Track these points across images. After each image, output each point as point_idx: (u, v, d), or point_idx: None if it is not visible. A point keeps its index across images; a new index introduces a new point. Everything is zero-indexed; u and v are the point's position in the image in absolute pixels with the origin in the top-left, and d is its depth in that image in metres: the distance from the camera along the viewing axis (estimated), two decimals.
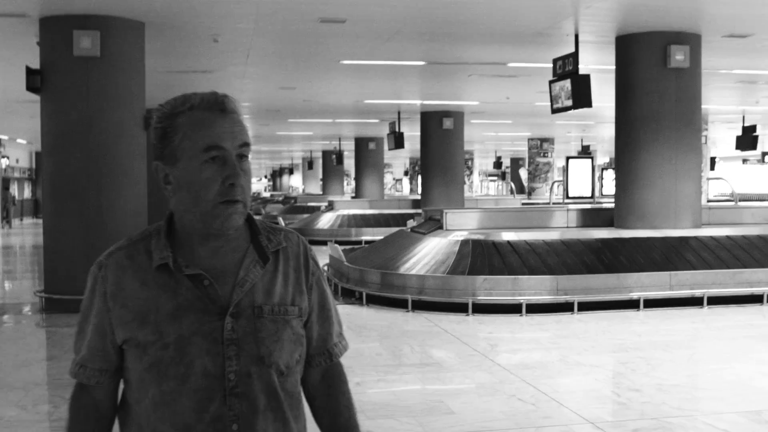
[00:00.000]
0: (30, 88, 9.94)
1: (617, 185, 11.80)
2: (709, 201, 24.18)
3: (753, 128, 24.12)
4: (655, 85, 11.13)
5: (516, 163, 46.46)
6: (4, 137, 31.37)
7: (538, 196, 31.17)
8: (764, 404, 5.66)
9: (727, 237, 11.10)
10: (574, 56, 10.99)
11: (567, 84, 11.04)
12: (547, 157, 32.90)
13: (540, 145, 32.68)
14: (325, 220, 21.45)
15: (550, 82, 11.42)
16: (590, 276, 9.86)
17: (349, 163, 38.88)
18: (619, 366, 7.24)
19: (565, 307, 9.62)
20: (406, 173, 56.95)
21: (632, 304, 9.79)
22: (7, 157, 33.69)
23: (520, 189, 38.61)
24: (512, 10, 9.87)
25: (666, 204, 11.12)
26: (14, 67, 12.25)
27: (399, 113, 21.45)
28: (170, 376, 1.59)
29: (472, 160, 44.01)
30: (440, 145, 21.93)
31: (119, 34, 9.77)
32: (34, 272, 15.12)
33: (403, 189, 59.89)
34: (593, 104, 10.95)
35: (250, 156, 1.66)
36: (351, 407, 1.84)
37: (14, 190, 36.06)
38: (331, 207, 22.37)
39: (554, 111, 11.45)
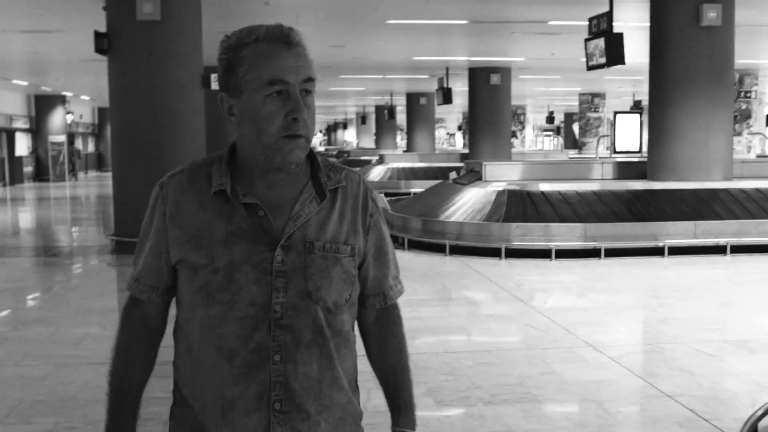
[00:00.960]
0: (98, 50, 10.81)
1: (650, 139, 12.29)
2: (759, 156, 24.31)
3: None
4: (688, 42, 11.56)
5: (570, 117, 46.48)
6: (69, 94, 32.60)
7: (588, 151, 31.47)
8: (754, 336, 6.29)
9: (756, 189, 11.56)
10: (609, 15, 11.41)
11: (601, 42, 11.50)
12: (598, 111, 33.07)
13: (591, 100, 32.85)
14: (376, 173, 22.19)
15: (586, 40, 11.87)
16: (617, 224, 10.48)
17: (402, 118, 39.47)
18: (630, 303, 7.91)
19: (594, 253, 10.27)
20: (459, 128, 57.24)
21: (658, 251, 10.39)
22: (72, 113, 34.98)
23: (574, 143, 38.79)
24: None
25: (696, 158, 11.61)
26: (80, 30, 13.22)
27: (447, 69, 21.98)
28: (218, 300, 1.61)
29: (524, 114, 44.11)
30: (488, 101, 22.42)
31: (178, 0, 10.55)
32: (99, 220, 16.25)
33: (456, 143, 60.18)
34: (627, 61, 11.39)
35: (314, 92, 1.65)
36: (402, 350, 1.85)
37: (79, 144, 37.42)
38: (381, 160, 23.10)
39: (589, 68, 11.91)
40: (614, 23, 11.23)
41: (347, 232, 1.70)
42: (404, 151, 31.62)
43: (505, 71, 22.20)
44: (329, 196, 1.69)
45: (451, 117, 55.09)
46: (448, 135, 63.12)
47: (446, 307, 7.55)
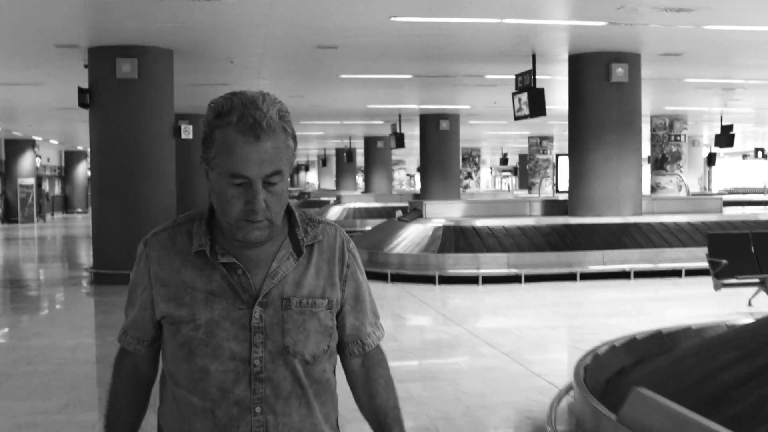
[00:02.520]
0: (81, 104, 12.23)
1: (570, 180, 13.96)
2: (690, 194, 26.20)
3: (730, 127, 26.00)
4: (599, 96, 13.28)
5: (524, 159, 48.40)
6: (39, 138, 33.77)
7: (537, 191, 33.25)
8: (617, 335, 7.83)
9: (661, 223, 13.23)
10: (532, 73, 13.11)
11: (525, 96, 13.17)
12: (546, 153, 34.90)
13: (539, 143, 34.71)
14: (333, 213, 23.70)
15: (513, 94, 13.55)
16: (537, 254, 12.09)
17: (361, 160, 41.10)
18: (532, 317, 9.45)
19: (516, 279, 11.82)
20: (418, 169, 58.97)
21: (572, 277, 11.96)
22: (40, 156, 36.04)
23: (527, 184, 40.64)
24: (483, 35, 11.86)
25: (609, 196, 13.27)
26: (59, 83, 14.69)
27: (400, 116, 23.63)
28: (199, 355, 1.69)
29: (479, 156, 45.94)
30: (438, 145, 24.09)
31: (153, 60, 12.05)
32: (76, 256, 17.54)
33: (416, 184, 61.86)
34: (562, 108, 13.06)
35: (284, 179, 1.68)
36: (390, 390, 1.90)
37: (46, 186, 38.36)
38: (338, 201, 24.65)
39: (516, 118, 13.57)
40: (539, 77, 12.92)
41: (323, 286, 1.77)
42: (362, 192, 33.18)
43: (453, 117, 23.90)
44: (306, 251, 1.76)
45: (411, 159, 56.78)
46: (408, 176, 64.92)
47: (390, 323, 9.04)
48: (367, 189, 32.85)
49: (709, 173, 44.19)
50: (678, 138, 25.67)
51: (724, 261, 8.93)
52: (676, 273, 12.20)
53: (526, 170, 47.54)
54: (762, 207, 17.99)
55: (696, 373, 4.15)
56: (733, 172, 49.05)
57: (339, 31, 11.28)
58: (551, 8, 10.57)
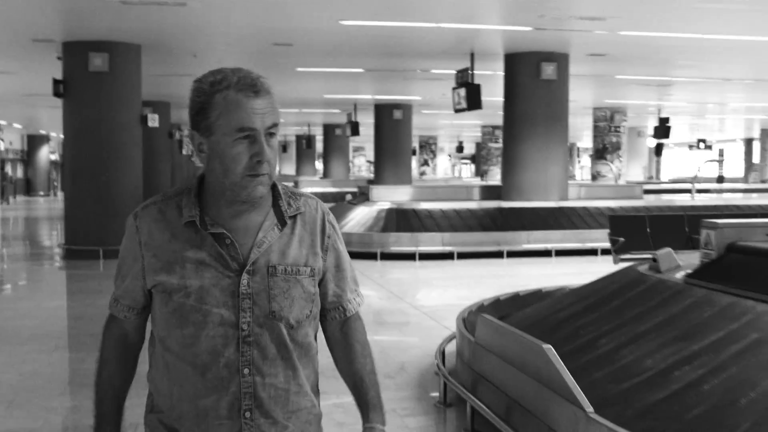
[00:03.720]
0: (56, 93, 13.33)
1: (503, 168, 15.38)
2: (628, 182, 27.82)
3: (666, 120, 27.60)
4: (530, 92, 14.65)
5: (479, 147, 49.82)
6: (3, 122, 34.44)
7: (490, 178, 34.68)
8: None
9: (584, 207, 14.68)
10: (470, 70, 14.41)
11: (463, 91, 14.49)
12: (498, 142, 36.30)
13: (492, 132, 36.10)
14: None
15: (453, 89, 14.86)
16: (468, 234, 13.48)
17: (321, 147, 42.22)
18: (456, 286, 10.82)
19: (449, 256, 13.18)
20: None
21: (500, 255, 13.35)
22: (2, 140, 36.65)
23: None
24: (426, 36, 13.09)
25: (537, 182, 14.68)
26: (32, 72, 15.77)
27: (355, 105, 24.88)
28: (190, 321, 1.80)
29: (435, 144, 47.28)
30: (391, 133, 25.41)
31: (123, 55, 13.19)
32: (47, 235, 18.61)
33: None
34: (483, 106, 14.42)
35: (277, 133, 1.80)
36: (366, 355, 2.02)
37: (9, 169, 38.94)
38: (296, 186, 25.79)
39: (456, 111, 14.90)
40: (481, 72, 14.23)
41: (306, 255, 1.86)
42: (320, 178, 34.39)
43: (406, 107, 25.20)
44: (289, 222, 1.85)
45: (370, 146, 57.97)
46: (369, 162, 66.08)
47: None
48: (326, 174, 34.06)
49: (658, 163, 46.05)
50: (618, 129, 27.24)
51: (622, 239, 10.35)
52: (593, 252, 13.62)
53: (480, 158, 49.15)
54: (683, 195, 19.51)
55: (545, 313, 5.52)
56: (681, 161, 51.03)
57: (293, 31, 12.51)
58: (484, 15, 11.88)
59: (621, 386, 3.89)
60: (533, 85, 14.67)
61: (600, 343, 4.48)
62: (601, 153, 27.38)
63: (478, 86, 14.27)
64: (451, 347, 5.96)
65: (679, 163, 51.67)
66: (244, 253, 1.81)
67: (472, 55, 14.45)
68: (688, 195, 18.34)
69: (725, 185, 28.90)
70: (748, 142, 45.15)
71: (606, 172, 26.67)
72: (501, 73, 15.87)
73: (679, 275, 4.93)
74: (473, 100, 14.28)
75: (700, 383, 3.62)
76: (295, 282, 1.84)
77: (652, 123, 35.00)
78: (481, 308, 6.34)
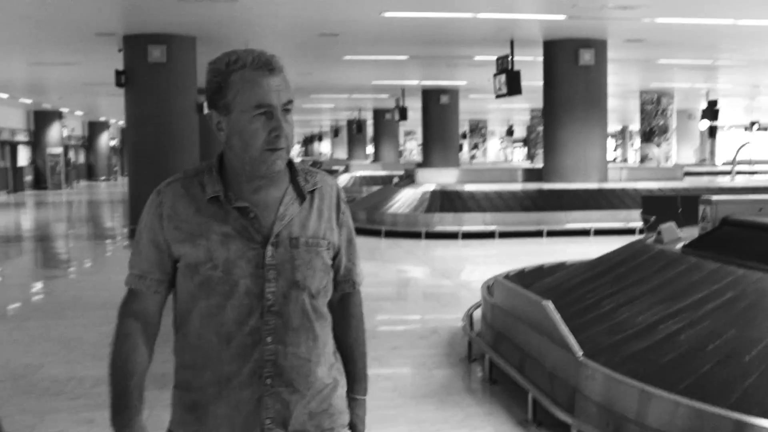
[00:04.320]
0: (118, 84, 14.22)
1: (544, 151, 15.86)
2: (678, 164, 28.01)
3: (715, 102, 27.66)
4: (569, 78, 15.11)
5: (529, 130, 49.95)
6: (66, 110, 35.83)
7: (539, 161, 35.01)
8: None
9: (622, 189, 15.13)
10: (509, 57, 14.92)
11: (504, 77, 15.02)
12: None
13: (540, 116, 36.30)
14: (341, 180, 25.61)
15: (494, 75, 15.40)
16: (509, 214, 14.06)
17: (372, 131, 42.85)
18: (494, 262, 11.18)
19: (490, 235, 13.77)
20: None
21: (539, 234, 13.90)
22: (66, 127, 38.07)
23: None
24: (467, 26, 13.61)
25: (577, 165, 15.15)
26: (93, 63, 16.73)
27: (403, 91, 25.50)
28: (217, 292, 1.87)
29: (485, 128, 47.56)
30: (438, 118, 25.96)
31: (179, 47, 14.00)
32: (111, 217, 19.66)
33: None
34: (529, 91, 14.90)
35: (292, 110, 1.88)
36: (360, 329, 2.14)
37: (71, 155, 40.37)
38: (347, 169, 26.59)
39: (497, 96, 15.44)
40: (522, 58, 14.74)
41: (324, 229, 1.96)
42: (371, 162, 35.10)
43: (453, 92, 25.71)
44: (308, 197, 1.95)
45: (421, 130, 58.56)
46: (419, 146, 66.59)
47: (377, 265, 11.04)
48: (376, 158, 34.74)
49: (712, 145, 45.74)
50: (665, 112, 27.41)
51: (654, 217, 10.82)
52: (631, 231, 14.04)
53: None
54: (725, 176, 19.78)
55: (561, 281, 6.13)
56: (739, 144, 50.41)
57: (337, 23, 13.18)
58: (521, 4, 12.39)
59: (614, 338, 4.49)
60: (571, 71, 15.11)
61: (602, 304, 5.08)
62: (648, 136, 27.57)
63: (517, 72, 14.79)
64: (479, 313, 6.59)
65: (737, 145, 51.07)
66: (267, 226, 1.89)
67: (511, 43, 14.95)
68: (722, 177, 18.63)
69: None
70: None
71: (651, 155, 26.88)
72: (542, 59, 16.36)
73: (678, 246, 5.49)
74: (513, 86, 14.80)
75: (678, 334, 4.21)
76: (316, 253, 1.93)
77: (703, 105, 35.08)
78: (506, 277, 6.95)
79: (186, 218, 1.89)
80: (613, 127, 51.76)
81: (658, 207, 11.20)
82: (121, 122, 44.24)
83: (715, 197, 5.49)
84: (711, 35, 15.00)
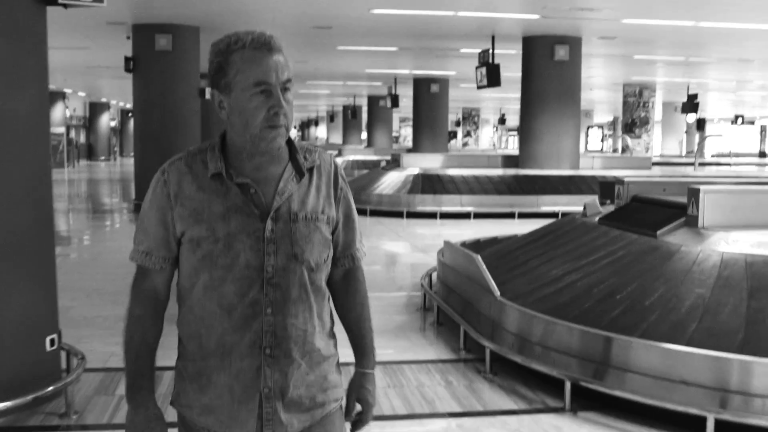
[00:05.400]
0: (127, 69, 15.39)
1: (521, 140, 17.09)
2: (663, 155, 29.22)
3: (695, 96, 28.80)
4: (545, 72, 16.29)
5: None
6: (69, 91, 36.88)
7: None
8: None
9: (592, 176, 16.29)
10: (491, 51, 16.08)
11: (484, 69, 16.19)
12: None
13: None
14: None
15: (476, 68, 16.56)
16: (484, 197, 15.27)
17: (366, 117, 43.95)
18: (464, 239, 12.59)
19: (466, 216, 14.98)
20: None
21: (511, 216, 15.12)
22: (68, 107, 39.03)
23: None
24: (451, 22, 14.78)
25: (550, 153, 16.37)
26: (101, 48, 17.88)
27: (395, 79, 26.64)
28: (219, 265, 1.92)
29: (478, 116, 48.63)
30: (428, 106, 27.13)
31: (184, 36, 15.17)
32: (115, 193, 20.90)
33: None
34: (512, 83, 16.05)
35: (292, 89, 1.92)
36: (365, 304, 2.19)
37: (73, 135, 41.28)
38: (340, 153, 27.77)
39: (479, 87, 16.60)
40: (503, 52, 15.89)
41: (323, 204, 2.00)
42: (365, 147, 36.26)
43: (443, 81, 26.84)
44: (306, 174, 1.99)
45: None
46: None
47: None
48: (369, 143, 35.90)
49: (701, 137, 46.89)
50: (647, 104, 28.60)
51: (609, 201, 12.02)
52: None
53: None
54: (689, 167, 21.02)
55: (505, 247, 7.36)
56: (729, 137, 51.64)
57: (330, 17, 14.35)
58: (498, 4, 13.54)
59: (531, 286, 5.72)
60: (547, 65, 16.29)
61: (529, 263, 6.31)
62: (630, 127, 28.74)
63: (497, 66, 15.95)
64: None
65: (727, 138, 52.17)
66: (267, 202, 1.93)
67: (492, 38, 16.11)
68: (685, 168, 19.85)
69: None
70: None
71: (635, 145, 28.04)
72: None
73: (597, 218, 6.71)
74: (493, 78, 15.98)
75: (576, 282, 5.44)
76: (314, 228, 1.97)
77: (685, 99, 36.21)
78: (462, 245, 8.16)
79: (190, 195, 1.94)
80: (604, 118, 53.13)
81: (612, 191, 12.40)
82: (122, 103, 45.39)
83: (627, 179, 6.71)
84: (678, 35, 16.18)
